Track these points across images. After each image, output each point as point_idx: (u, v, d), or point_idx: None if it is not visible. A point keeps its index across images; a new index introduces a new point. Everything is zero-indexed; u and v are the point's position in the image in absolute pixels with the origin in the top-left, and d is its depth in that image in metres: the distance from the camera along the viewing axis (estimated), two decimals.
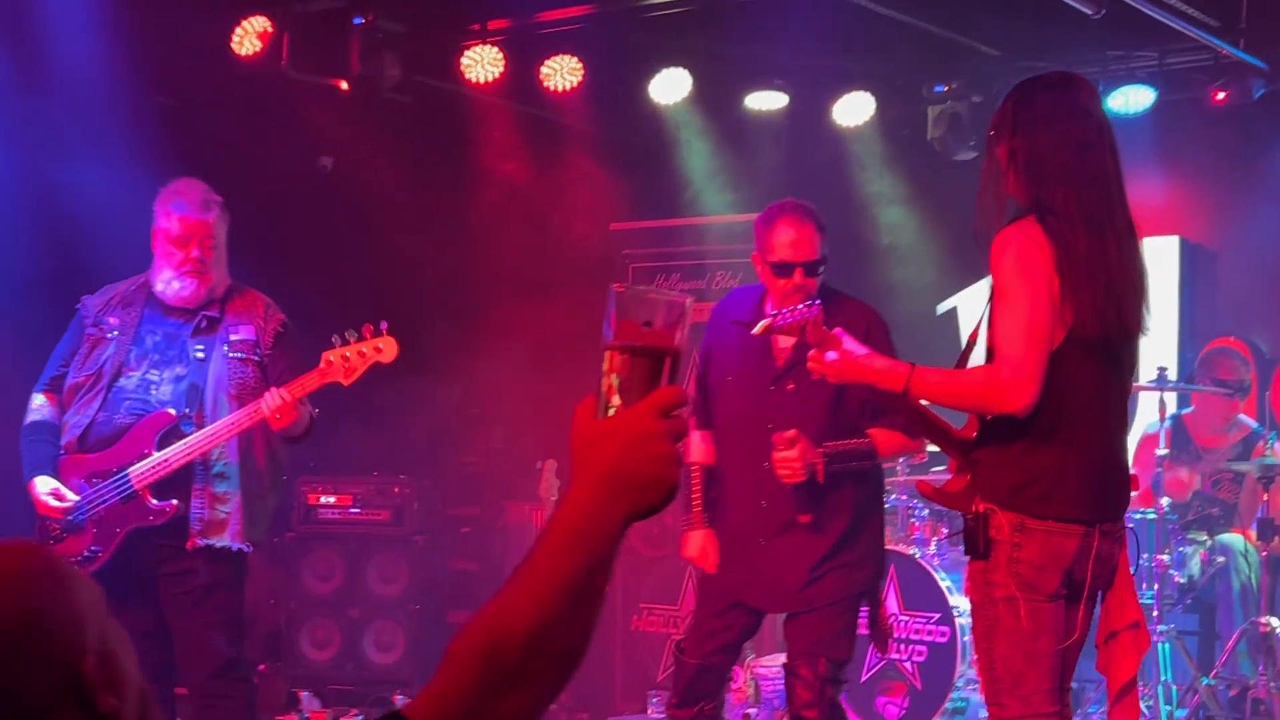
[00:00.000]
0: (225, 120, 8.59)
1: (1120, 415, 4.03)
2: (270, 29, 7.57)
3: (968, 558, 3.96)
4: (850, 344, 4.00)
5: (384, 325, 4.93)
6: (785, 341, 4.63)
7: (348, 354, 4.87)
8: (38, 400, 5.08)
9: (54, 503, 4.88)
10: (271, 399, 4.77)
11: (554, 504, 1.61)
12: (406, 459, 8.69)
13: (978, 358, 4.04)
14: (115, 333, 5.01)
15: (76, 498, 4.89)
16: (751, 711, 7.18)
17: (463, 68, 7.76)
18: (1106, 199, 3.88)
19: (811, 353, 4.02)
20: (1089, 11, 6.46)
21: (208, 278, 4.99)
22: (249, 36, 7.61)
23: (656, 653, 7.92)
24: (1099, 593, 3.97)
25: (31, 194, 7.90)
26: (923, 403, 4.08)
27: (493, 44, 7.71)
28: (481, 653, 1.51)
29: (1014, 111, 3.95)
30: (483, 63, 7.73)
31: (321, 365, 4.86)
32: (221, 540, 4.89)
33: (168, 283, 4.98)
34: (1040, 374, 3.75)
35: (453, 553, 8.80)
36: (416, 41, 7.66)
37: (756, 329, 4.32)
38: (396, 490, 8.16)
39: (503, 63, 7.73)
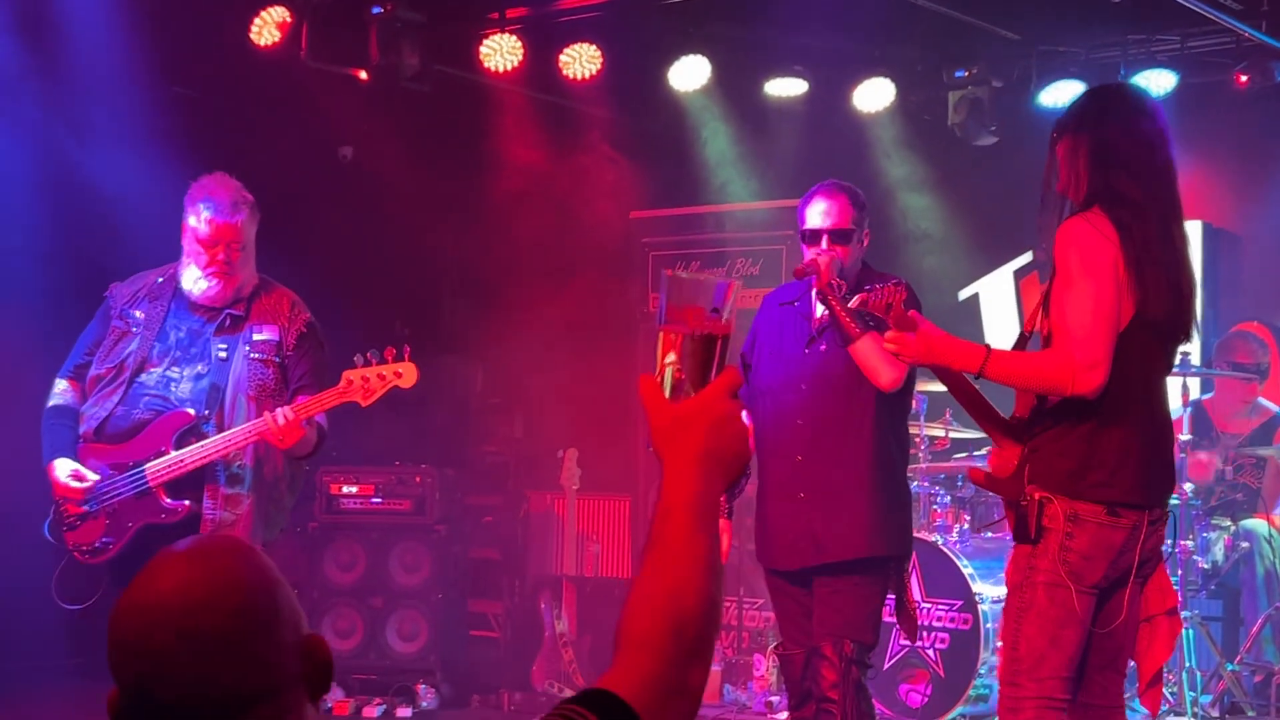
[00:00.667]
0: (244, 110, 8.63)
1: (1167, 405, 4.09)
2: (289, 19, 7.58)
3: (1014, 541, 4.02)
4: (928, 325, 4.07)
5: (406, 349, 4.97)
6: (821, 310, 4.86)
7: (368, 375, 4.92)
8: (60, 385, 5.08)
9: (74, 483, 4.87)
10: (275, 420, 4.77)
11: (661, 490, 1.72)
12: (428, 448, 8.73)
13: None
14: (140, 327, 5.00)
15: (97, 477, 4.90)
16: (774, 699, 7.20)
17: (481, 56, 7.77)
18: (1172, 198, 3.99)
19: (889, 334, 4.10)
20: None
21: (235, 279, 4.99)
22: (268, 27, 7.63)
23: None
24: (1146, 577, 4.02)
25: (51, 179, 7.95)
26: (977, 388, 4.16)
27: (511, 32, 7.72)
28: (671, 632, 1.62)
29: (1081, 110, 4.09)
30: (501, 51, 7.74)
31: (341, 385, 4.92)
32: None
33: (195, 281, 4.97)
34: (1110, 355, 3.83)
35: (474, 542, 8.82)
36: (435, 30, 7.67)
37: (852, 302, 4.47)
38: (418, 480, 8.18)
39: (521, 51, 7.73)
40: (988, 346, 3.99)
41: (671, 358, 1.80)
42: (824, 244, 4.83)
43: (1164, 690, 6.57)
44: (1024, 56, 7.93)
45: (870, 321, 4.65)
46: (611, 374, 8.70)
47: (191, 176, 5.11)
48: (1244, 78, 7.41)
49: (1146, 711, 4.36)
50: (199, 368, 4.96)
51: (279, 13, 7.60)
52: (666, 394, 1.78)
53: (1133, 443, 3.91)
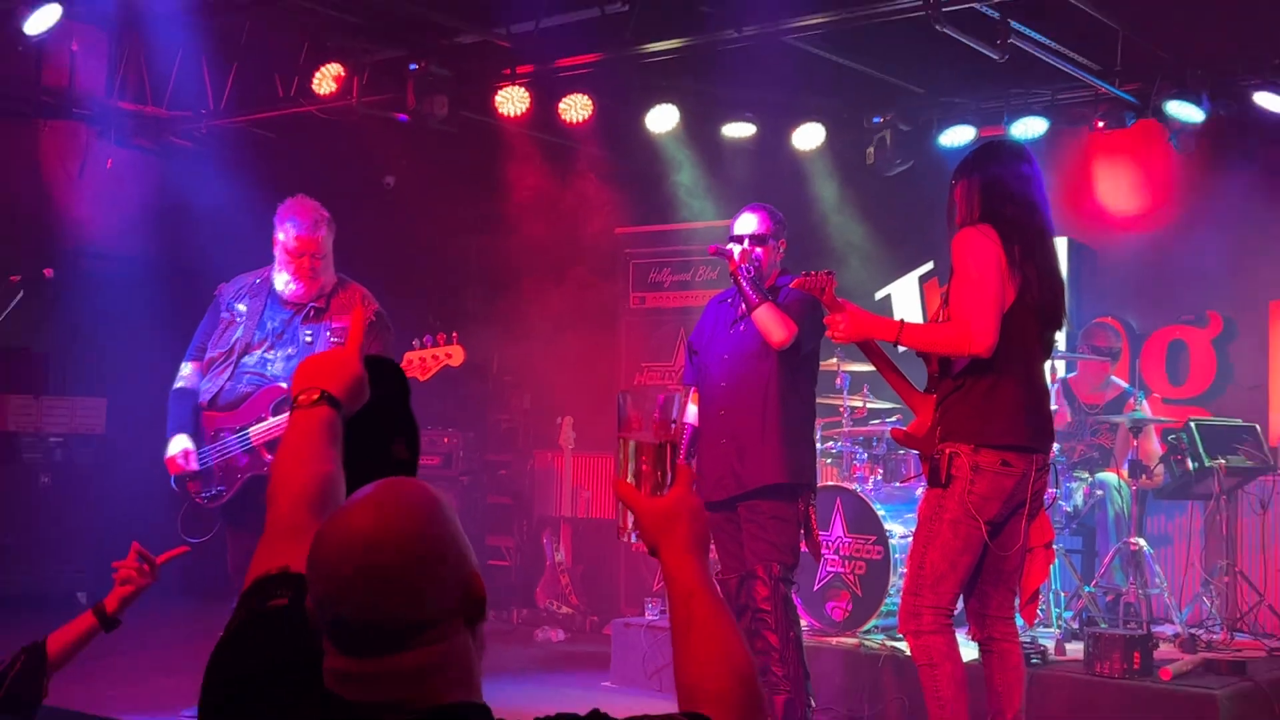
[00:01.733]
0: (309, 146, 8.65)
1: (1045, 376, 4.23)
2: (343, 74, 7.62)
3: (927, 485, 4.15)
4: (852, 306, 4.27)
5: (455, 334, 5.01)
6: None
7: (424, 355, 4.94)
8: (186, 369, 5.12)
9: (181, 461, 4.95)
10: None
11: (670, 577, 1.74)
12: (455, 415, 8.78)
13: None
14: (243, 318, 5.06)
15: (196, 467, 4.96)
16: None
17: (497, 104, 7.78)
18: (1044, 221, 4.11)
19: (827, 316, 4.31)
20: (995, 56, 6.52)
21: (317, 281, 5.04)
22: (326, 79, 7.66)
23: (653, 566, 7.98)
24: (1034, 514, 4.12)
25: (163, 207, 7.99)
26: (895, 364, 4.35)
27: (520, 85, 7.74)
28: (744, 689, 1.63)
29: (973, 158, 4.20)
30: (512, 100, 7.75)
31: (402, 363, 4.95)
32: None
33: (285, 284, 5.03)
34: (997, 326, 3.94)
35: (491, 490, 8.89)
36: (460, 84, 7.69)
37: (793, 283, 4.60)
38: (446, 440, 8.26)
39: (529, 100, 7.74)
40: (901, 320, 4.16)
41: (633, 462, 1.80)
42: (745, 244, 5.06)
43: (1038, 607, 6.67)
44: (928, 106, 7.98)
45: (769, 295, 4.90)
46: (599, 355, 8.76)
47: (269, 202, 5.15)
48: (1101, 123, 7.46)
49: (1024, 623, 4.47)
50: (290, 350, 5.02)
51: (335, 69, 7.63)
52: (640, 489, 1.79)
53: (1020, 399, 4.02)
